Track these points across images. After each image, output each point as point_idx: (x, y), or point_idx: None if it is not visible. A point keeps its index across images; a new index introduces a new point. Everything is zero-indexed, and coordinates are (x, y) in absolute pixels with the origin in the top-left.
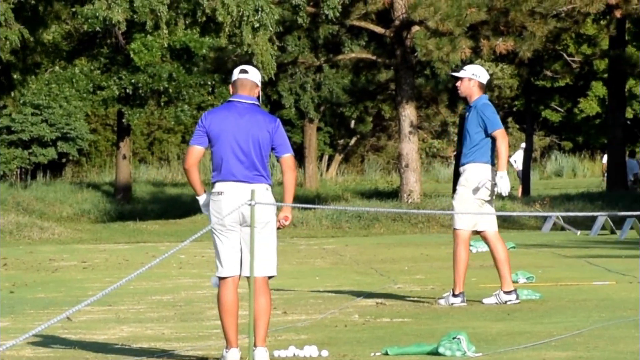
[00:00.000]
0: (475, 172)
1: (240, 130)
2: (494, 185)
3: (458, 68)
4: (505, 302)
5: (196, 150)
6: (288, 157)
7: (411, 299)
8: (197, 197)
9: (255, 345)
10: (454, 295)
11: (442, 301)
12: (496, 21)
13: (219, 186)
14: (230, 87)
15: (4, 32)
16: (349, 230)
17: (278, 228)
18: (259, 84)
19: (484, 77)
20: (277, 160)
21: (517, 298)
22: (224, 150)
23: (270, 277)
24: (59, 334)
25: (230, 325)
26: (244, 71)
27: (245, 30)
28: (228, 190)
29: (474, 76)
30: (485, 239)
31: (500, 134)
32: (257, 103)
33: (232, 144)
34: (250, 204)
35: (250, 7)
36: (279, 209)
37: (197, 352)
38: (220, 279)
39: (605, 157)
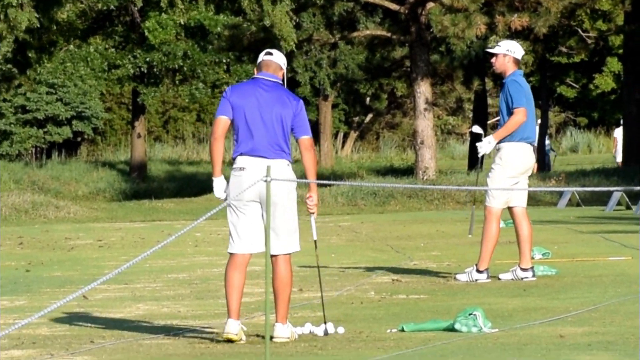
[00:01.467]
0: (510, 152)
1: (263, 105)
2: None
3: (473, 44)
4: (522, 278)
5: (222, 121)
6: (306, 138)
7: (428, 275)
8: (213, 179)
9: (276, 321)
10: (479, 272)
11: (462, 276)
12: None
13: (240, 161)
14: (255, 69)
15: (13, 12)
16: (365, 208)
17: (310, 213)
18: (284, 68)
19: (519, 53)
20: (296, 141)
21: (533, 276)
22: (246, 123)
23: (277, 256)
24: (75, 312)
25: (234, 298)
26: (268, 53)
27: (265, 3)
28: (250, 166)
29: (508, 52)
30: (512, 214)
31: (518, 112)
32: (280, 82)
33: (255, 118)
34: (265, 180)
35: None
36: (300, 185)
37: (213, 329)
38: (230, 254)
39: (616, 131)
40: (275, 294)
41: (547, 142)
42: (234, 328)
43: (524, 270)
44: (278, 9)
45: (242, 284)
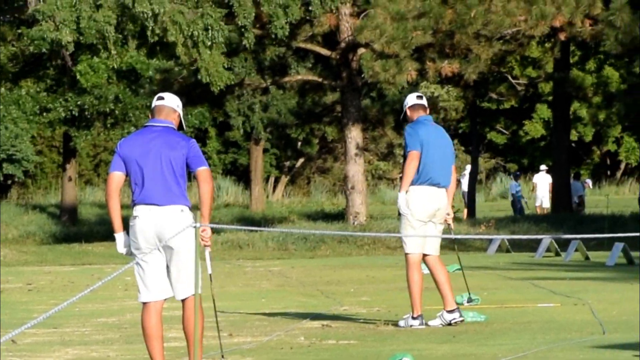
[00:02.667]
0: (411, 196)
1: (152, 152)
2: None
3: (404, 90)
4: (450, 321)
5: (115, 176)
6: (203, 169)
7: (358, 320)
8: (115, 235)
9: None
10: (414, 318)
11: (401, 322)
12: (442, 44)
13: (135, 210)
14: (149, 115)
15: None
16: (295, 252)
17: (205, 246)
18: (178, 109)
19: (410, 101)
20: (194, 176)
21: (460, 316)
22: (136, 173)
23: (187, 299)
24: (3, 356)
25: (154, 348)
26: (160, 98)
27: (202, 49)
28: (142, 214)
29: (405, 105)
30: (426, 263)
31: (408, 156)
32: (171, 126)
33: (146, 166)
34: (194, 227)
35: (199, 26)
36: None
37: None
38: (142, 303)
39: (535, 176)
40: (186, 337)
41: (517, 187)
42: None
43: (450, 312)
44: (214, 52)
45: (160, 332)
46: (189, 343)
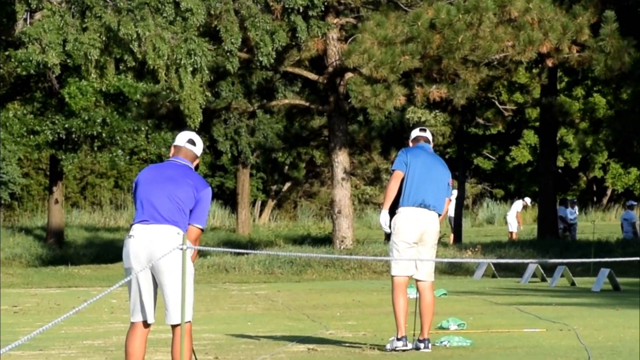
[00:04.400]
0: (395, 218)
1: (165, 179)
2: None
3: (392, 115)
4: (394, 348)
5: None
6: (195, 228)
7: (344, 344)
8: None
9: None
10: (398, 339)
11: (387, 345)
12: (429, 69)
13: (131, 230)
14: (172, 148)
15: None
16: (282, 276)
17: None
18: (199, 158)
19: (412, 135)
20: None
21: (404, 345)
22: (143, 193)
23: (176, 325)
24: None
25: None
26: (191, 142)
27: (183, 74)
28: (136, 233)
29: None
30: (417, 287)
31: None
32: (191, 167)
33: (154, 189)
34: (181, 249)
35: (182, 50)
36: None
37: None
38: (131, 323)
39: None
40: None
41: (569, 212)
42: None
43: (399, 339)
44: (196, 81)
45: (141, 353)
46: None
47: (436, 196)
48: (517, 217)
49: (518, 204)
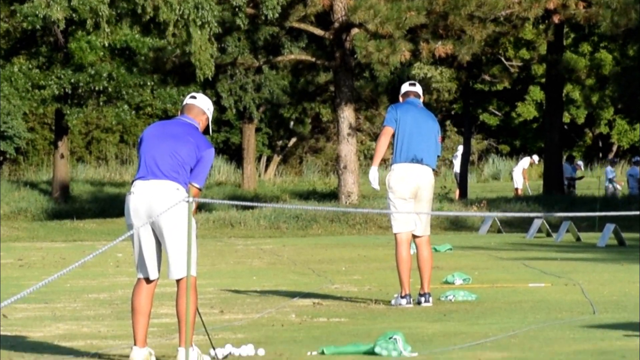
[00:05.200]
0: (388, 175)
1: (168, 137)
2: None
3: (397, 71)
4: (399, 304)
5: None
6: (194, 186)
7: (349, 298)
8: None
9: (179, 346)
10: (402, 297)
11: (392, 301)
12: (435, 25)
13: (132, 186)
14: (179, 112)
15: None
16: (287, 231)
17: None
18: (207, 112)
19: (402, 90)
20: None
21: (408, 303)
22: (147, 149)
23: (180, 280)
24: None
25: (137, 324)
26: (192, 97)
27: (193, 28)
28: (137, 189)
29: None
30: (414, 243)
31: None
32: (197, 126)
33: (156, 146)
34: (187, 201)
35: (190, 4)
36: (223, 208)
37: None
38: (137, 278)
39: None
40: (177, 317)
41: (612, 173)
42: (137, 356)
43: (404, 297)
44: (204, 34)
45: (147, 308)
46: (180, 323)
47: (428, 151)
48: (523, 174)
49: (525, 161)
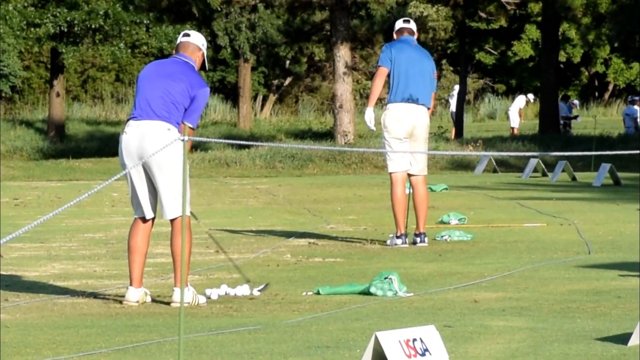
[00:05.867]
0: (384, 115)
1: (162, 76)
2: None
3: (393, 9)
4: (392, 245)
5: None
6: (187, 125)
7: (345, 238)
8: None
9: (175, 286)
10: (397, 237)
11: (388, 241)
12: None
13: (126, 126)
14: (173, 51)
15: None
16: (283, 171)
17: None
18: (202, 48)
19: (397, 26)
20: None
21: (403, 243)
22: (141, 89)
23: (174, 219)
24: None
25: (133, 264)
26: (186, 34)
27: None
28: (129, 129)
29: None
30: (410, 182)
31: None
32: (192, 64)
33: (149, 85)
34: (182, 140)
35: None
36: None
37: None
38: (134, 217)
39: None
40: (172, 256)
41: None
42: (133, 296)
43: (399, 237)
44: None
45: (143, 248)
46: (175, 262)
47: (423, 90)
48: (519, 113)
49: (520, 100)
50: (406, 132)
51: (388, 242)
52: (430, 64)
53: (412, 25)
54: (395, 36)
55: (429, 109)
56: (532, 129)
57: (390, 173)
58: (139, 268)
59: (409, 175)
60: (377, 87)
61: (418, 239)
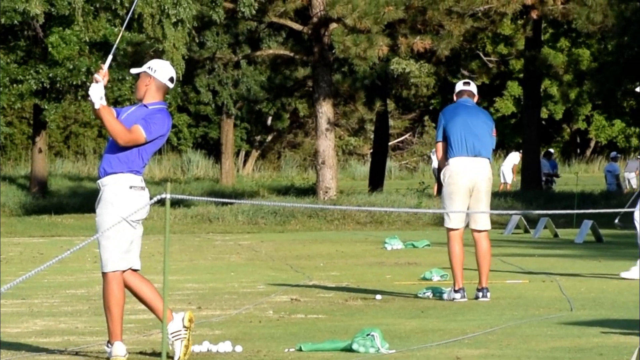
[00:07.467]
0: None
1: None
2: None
3: (376, 65)
4: (453, 299)
5: None
6: (138, 128)
7: (327, 295)
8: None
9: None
10: (455, 291)
11: (445, 295)
12: (414, 19)
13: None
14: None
15: None
16: (265, 227)
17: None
18: (151, 72)
19: (457, 88)
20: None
21: (462, 297)
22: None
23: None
24: None
25: (120, 318)
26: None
27: (166, 24)
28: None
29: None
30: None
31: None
32: (145, 105)
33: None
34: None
35: (169, 1)
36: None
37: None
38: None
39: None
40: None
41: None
42: (121, 350)
43: (457, 291)
44: (178, 32)
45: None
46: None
47: (484, 143)
48: (512, 169)
49: (514, 156)
50: (467, 186)
51: (445, 295)
52: (489, 120)
53: (473, 88)
54: (455, 98)
55: (489, 160)
56: (514, 186)
57: (448, 229)
58: (121, 321)
59: (472, 230)
60: (442, 161)
61: (480, 294)
